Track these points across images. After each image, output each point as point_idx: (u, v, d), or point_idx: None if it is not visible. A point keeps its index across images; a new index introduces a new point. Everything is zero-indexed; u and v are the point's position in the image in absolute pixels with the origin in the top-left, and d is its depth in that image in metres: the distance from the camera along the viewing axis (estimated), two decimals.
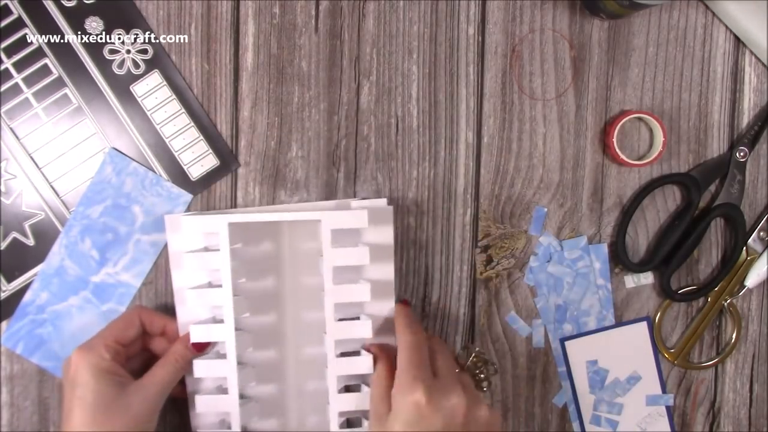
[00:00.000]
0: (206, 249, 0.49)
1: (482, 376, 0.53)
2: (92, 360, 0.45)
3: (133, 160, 0.52)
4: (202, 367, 0.48)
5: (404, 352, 0.45)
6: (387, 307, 0.51)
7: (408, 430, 0.42)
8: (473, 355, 0.53)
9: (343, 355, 0.49)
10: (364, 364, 0.49)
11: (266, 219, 0.48)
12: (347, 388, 0.52)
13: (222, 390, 0.49)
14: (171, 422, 0.53)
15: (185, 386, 0.51)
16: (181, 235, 0.51)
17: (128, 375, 0.46)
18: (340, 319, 0.49)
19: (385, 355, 0.49)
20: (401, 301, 0.51)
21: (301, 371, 0.52)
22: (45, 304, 0.52)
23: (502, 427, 0.47)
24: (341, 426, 0.49)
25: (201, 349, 0.49)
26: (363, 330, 0.48)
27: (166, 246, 0.52)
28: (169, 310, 0.52)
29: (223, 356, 0.48)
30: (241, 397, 0.49)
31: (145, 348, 0.51)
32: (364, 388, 0.50)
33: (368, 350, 0.50)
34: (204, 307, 0.50)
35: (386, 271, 0.51)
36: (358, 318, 0.51)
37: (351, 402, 0.49)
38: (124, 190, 0.52)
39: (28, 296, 0.52)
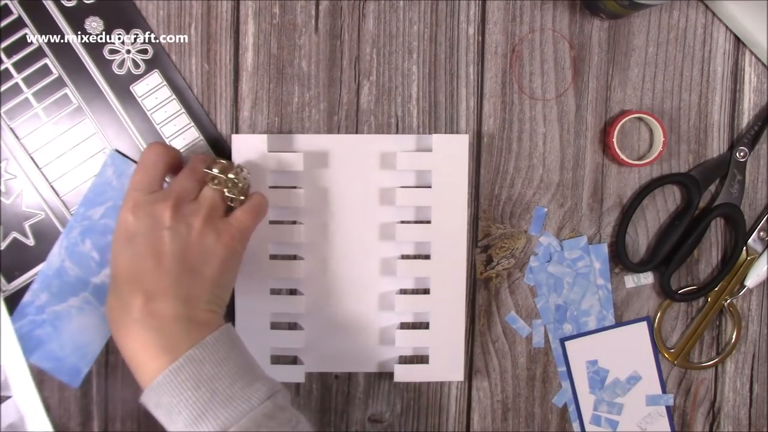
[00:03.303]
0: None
1: (230, 186, 0.47)
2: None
3: (134, 162, 0.52)
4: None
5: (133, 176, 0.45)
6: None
7: (115, 246, 0.43)
8: (219, 169, 0.47)
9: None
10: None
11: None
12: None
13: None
14: None
15: None
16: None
17: None
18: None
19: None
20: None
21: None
22: (45, 304, 0.52)
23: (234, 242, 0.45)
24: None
25: None
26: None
27: None
28: None
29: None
30: None
31: None
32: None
33: None
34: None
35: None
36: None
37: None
38: (124, 190, 0.51)
39: (27, 297, 0.52)
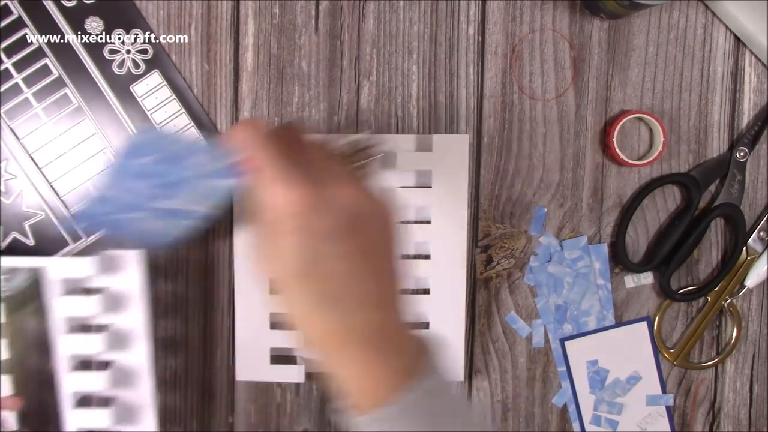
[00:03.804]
0: None
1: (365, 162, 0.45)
2: None
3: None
4: None
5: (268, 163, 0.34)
6: None
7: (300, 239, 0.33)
8: (352, 144, 0.44)
9: None
10: None
11: None
12: None
13: None
14: None
15: None
16: None
17: None
18: None
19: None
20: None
21: None
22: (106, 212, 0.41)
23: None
24: None
25: None
26: None
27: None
28: None
29: None
30: None
31: None
32: None
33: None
34: None
35: None
36: None
37: None
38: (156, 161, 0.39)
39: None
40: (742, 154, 0.53)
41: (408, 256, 0.53)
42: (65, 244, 0.53)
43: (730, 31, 0.53)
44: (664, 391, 0.55)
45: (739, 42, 0.54)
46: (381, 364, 0.34)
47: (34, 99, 0.52)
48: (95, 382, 0.48)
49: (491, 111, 0.53)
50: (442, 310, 0.52)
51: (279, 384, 0.54)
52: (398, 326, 0.36)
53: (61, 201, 0.53)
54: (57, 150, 0.52)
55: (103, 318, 0.49)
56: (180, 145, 0.39)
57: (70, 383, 0.48)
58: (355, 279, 0.34)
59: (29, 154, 0.52)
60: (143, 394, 0.50)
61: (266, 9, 0.52)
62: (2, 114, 0.52)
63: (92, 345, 0.48)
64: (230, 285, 0.53)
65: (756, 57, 0.54)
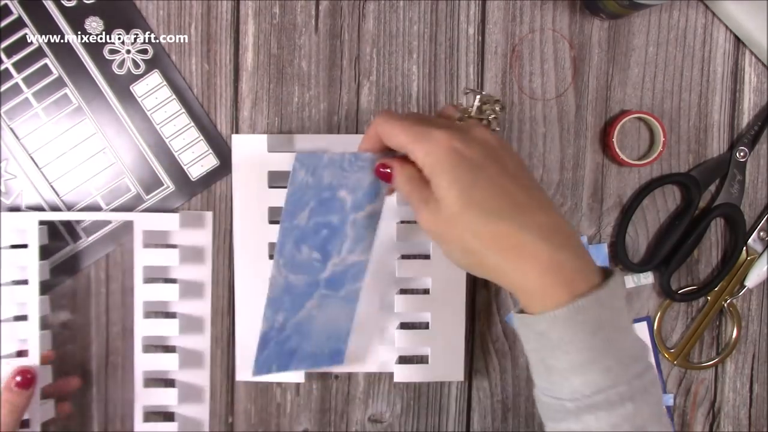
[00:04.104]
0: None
1: (491, 117, 0.45)
2: None
3: (320, 153, 0.45)
4: None
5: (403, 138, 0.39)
6: None
7: (456, 176, 0.37)
8: (477, 98, 0.45)
9: None
10: None
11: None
12: None
13: None
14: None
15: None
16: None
17: None
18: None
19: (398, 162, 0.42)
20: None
21: None
22: (284, 322, 0.48)
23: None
24: None
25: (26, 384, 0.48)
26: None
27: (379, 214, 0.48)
28: None
29: None
30: None
31: None
32: None
33: (383, 167, 0.43)
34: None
35: None
36: None
37: None
38: (323, 183, 0.46)
39: (264, 326, 0.48)
40: (742, 154, 0.53)
41: (408, 256, 0.53)
42: (65, 244, 0.53)
43: (730, 31, 0.53)
44: (664, 391, 0.55)
45: (739, 42, 0.54)
46: (561, 260, 0.36)
47: (34, 99, 0.52)
48: (167, 328, 0.52)
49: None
50: (442, 310, 0.52)
51: (279, 384, 0.54)
52: (571, 229, 0.38)
53: (61, 201, 0.53)
54: (57, 150, 0.52)
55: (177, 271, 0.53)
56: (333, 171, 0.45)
57: (143, 329, 0.52)
58: (515, 189, 0.37)
59: (29, 154, 0.52)
60: (204, 344, 0.54)
61: (266, 9, 0.52)
62: (2, 114, 0.52)
63: (168, 294, 0.52)
64: (230, 284, 0.53)
65: (756, 57, 0.54)
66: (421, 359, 0.54)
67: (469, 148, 0.38)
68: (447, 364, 0.53)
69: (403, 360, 0.54)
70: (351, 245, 0.48)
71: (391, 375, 0.54)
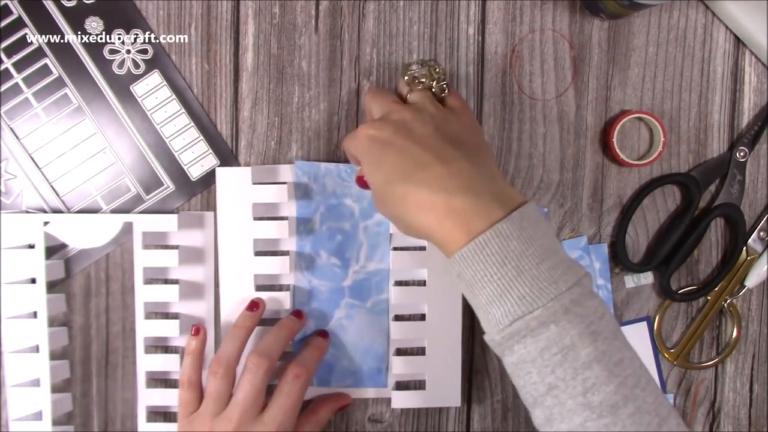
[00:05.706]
0: None
1: (443, 84, 0.46)
2: None
3: (318, 162, 0.51)
4: None
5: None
6: None
7: (371, 157, 0.41)
8: (427, 68, 0.46)
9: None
10: None
11: None
12: None
13: None
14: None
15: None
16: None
17: None
18: None
19: None
20: None
21: None
22: (314, 329, 0.52)
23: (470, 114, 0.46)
24: None
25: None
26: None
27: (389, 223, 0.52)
28: None
29: None
30: None
31: None
32: None
33: (361, 178, 0.46)
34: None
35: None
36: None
37: None
38: (328, 190, 0.51)
39: (296, 336, 0.51)
40: (742, 154, 0.53)
41: (401, 283, 0.53)
42: (64, 244, 0.53)
43: (730, 31, 0.53)
44: (664, 391, 0.55)
45: (739, 42, 0.54)
46: (456, 205, 0.38)
47: (34, 99, 0.52)
48: (168, 329, 0.52)
49: (491, 111, 0.53)
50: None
51: None
52: (478, 172, 0.40)
53: (61, 201, 0.53)
54: (57, 150, 0.52)
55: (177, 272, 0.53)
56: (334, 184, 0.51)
57: (144, 330, 0.52)
58: (419, 152, 0.40)
59: (29, 154, 0.52)
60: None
61: (266, 9, 0.52)
62: (2, 114, 0.52)
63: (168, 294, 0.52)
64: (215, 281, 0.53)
65: (756, 57, 0.54)
66: (417, 385, 0.54)
67: (380, 130, 0.41)
68: (444, 389, 0.53)
69: (401, 386, 0.54)
70: (368, 252, 0.51)
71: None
